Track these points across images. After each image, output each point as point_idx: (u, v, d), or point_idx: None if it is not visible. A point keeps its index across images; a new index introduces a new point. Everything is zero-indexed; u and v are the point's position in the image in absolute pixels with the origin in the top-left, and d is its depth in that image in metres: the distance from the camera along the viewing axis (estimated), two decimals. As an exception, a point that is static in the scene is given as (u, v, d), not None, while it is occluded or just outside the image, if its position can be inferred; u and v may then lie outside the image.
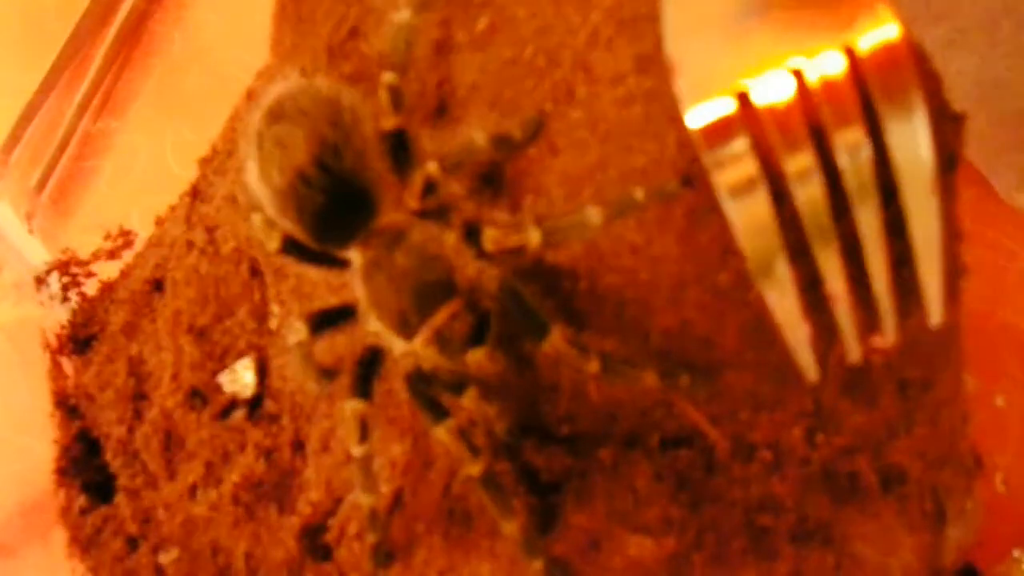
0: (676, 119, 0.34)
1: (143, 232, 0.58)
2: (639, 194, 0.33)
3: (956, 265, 0.38)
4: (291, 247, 0.38)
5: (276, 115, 0.36)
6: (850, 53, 0.32)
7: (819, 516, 0.38)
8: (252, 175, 0.37)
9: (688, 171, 0.34)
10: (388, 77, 0.36)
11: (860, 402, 0.37)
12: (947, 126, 0.37)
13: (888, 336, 0.33)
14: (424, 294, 0.35)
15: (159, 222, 0.55)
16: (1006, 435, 0.48)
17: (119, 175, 0.67)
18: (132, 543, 0.47)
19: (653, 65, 0.35)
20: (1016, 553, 0.44)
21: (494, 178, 0.38)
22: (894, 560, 0.38)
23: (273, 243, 0.38)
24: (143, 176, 0.67)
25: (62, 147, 0.65)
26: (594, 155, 0.35)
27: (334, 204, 0.36)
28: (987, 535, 0.42)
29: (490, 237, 0.34)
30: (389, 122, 0.36)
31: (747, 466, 0.38)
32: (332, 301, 0.41)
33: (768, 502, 0.37)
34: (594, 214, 0.33)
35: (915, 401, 0.38)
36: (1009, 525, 0.44)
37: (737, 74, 0.32)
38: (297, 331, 0.37)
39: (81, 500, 0.48)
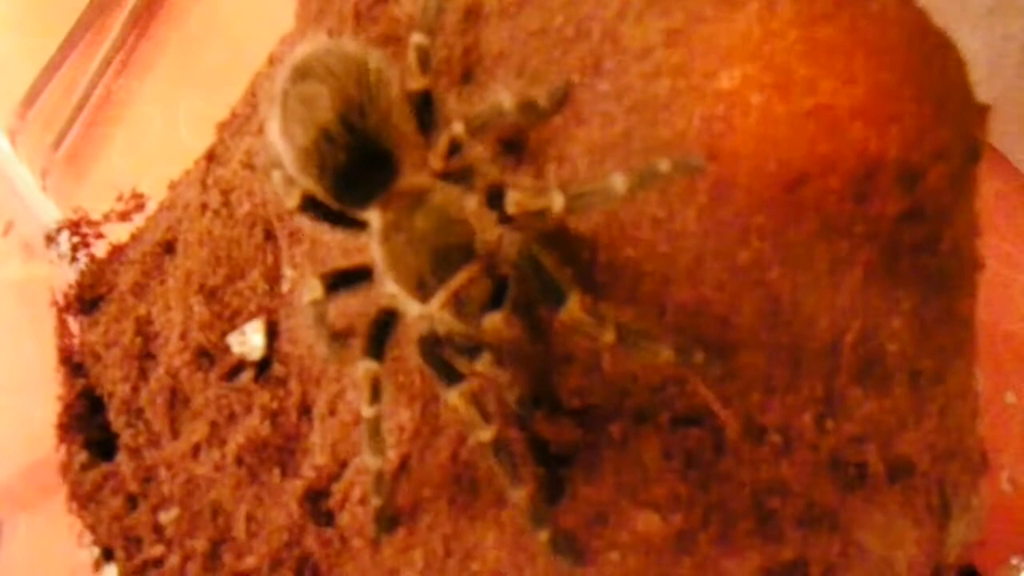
0: (703, 94, 0.34)
1: (153, 201, 0.58)
2: (664, 165, 0.33)
3: (974, 258, 0.38)
4: (310, 206, 0.38)
5: (302, 73, 0.36)
6: None
7: (826, 503, 0.37)
8: (274, 132, 0.37)
9: (713, 146, 0.34)
10: (417, 38, 0.36)
11: (872, 390, 0.37)
12: (971, 116, 0.37)
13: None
14: (443, 257, 0.35)
15: (172, 186, 0.55)
16: (1013, 433, 0.47)
17: (132, 144, 0.67)
18: (132, 501, 0.46)
19: (681, 40, 0.35)
20: (1015, 560, 0.44)
21: (517, 146, 0.38)
22: (899, 552, 0.38)
23: (292, 201, 0.38)
24: (155, 146, 0.67)
25: (78, 110, 0.65)
26: (619, 126, 0.35)
27: (356, 163, 0.36)
28: (990, 536, 0.41)
29: (513, 200, 0.34)
30: (416, 83, 0.36)
31: (756, 448, 0.37)
32: (343, 266, 0.41)
33: (776, 485, 0.37)
34: (619, 182, 0.33)
35: (926, 392, 0.37)
36: (1014, 525, 0.44)
37: None
38: (312, 289, 0.37)
39: (82, 456, 0.48)
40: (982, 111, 0.37)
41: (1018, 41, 0.46)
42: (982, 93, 0.36)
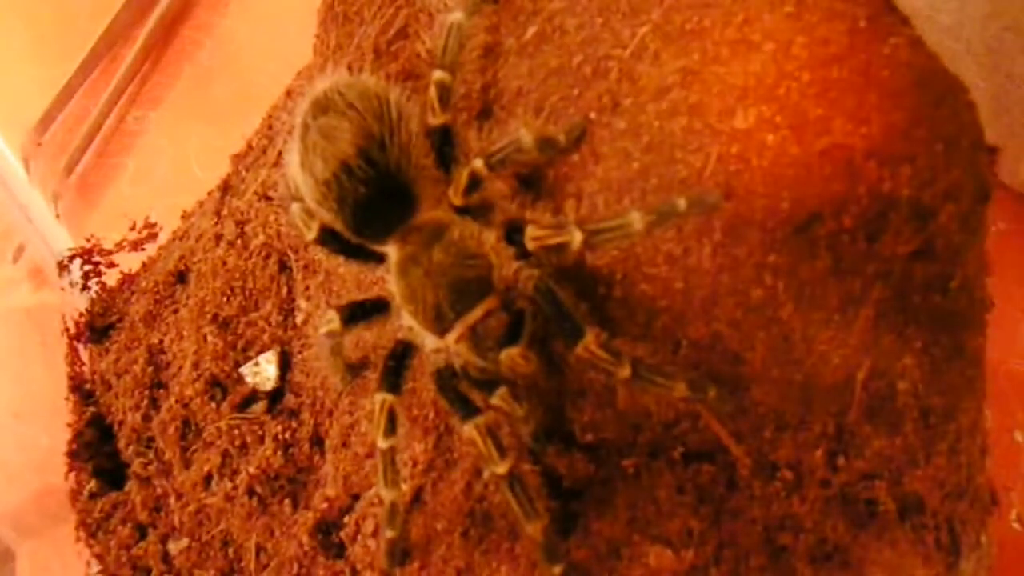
0: (719, 133, 0.35)
1: (164, 230, 0.58)
2: (681, 203, 0.33)
3: (983, 297, 0.39)
4: (328, 238, 0.38)
5: (323, 107, 0.37)
6: None
7: (837, 539, 0.38)
8: (294, 164, 0.37)
9: (728, 184, 0.34)
10: (439, 74, 0.37)
11: (882, 427, 0.37)
12: (981, 157, 0.37)
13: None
14: (460, 291, 0.35)
15: (186, 216, 0.55)
16: (1021, 472, 0.47)
17: (143, 173, 0.68)
18: (141, 530, 0.46)
19: (698, 80, 0.36)
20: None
21: (535, 182, 0.38)
22: (909, 591, 0.38)
23: (311, 233, 0.38)
24: (166, 176, 0.67)
25: (90, 138, 0.66)
26: (636, 164, 0.36)
27: (376, 196, 0.36)
28: (1000, 574, 0.41)
29: (532, 235, 0.34)
30: (436, 119, 0.37)
31: (768, 484, 0.37)
32: (359, 299, 0.41)
33: (787, 521, 0.37)
34: (636, 218, 0.33)
35: (936, 430, 0.38)
36: (1023, 563, 0.44)
37: None
38: (329, 321, 0.37)
39: (91, 484, 0.47)
40: (992, 152, 0.37)
41: (1021, 80, 0.46)
42: (987, 133, 0.37)
